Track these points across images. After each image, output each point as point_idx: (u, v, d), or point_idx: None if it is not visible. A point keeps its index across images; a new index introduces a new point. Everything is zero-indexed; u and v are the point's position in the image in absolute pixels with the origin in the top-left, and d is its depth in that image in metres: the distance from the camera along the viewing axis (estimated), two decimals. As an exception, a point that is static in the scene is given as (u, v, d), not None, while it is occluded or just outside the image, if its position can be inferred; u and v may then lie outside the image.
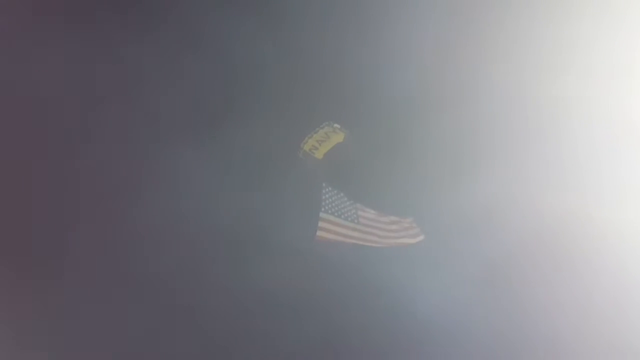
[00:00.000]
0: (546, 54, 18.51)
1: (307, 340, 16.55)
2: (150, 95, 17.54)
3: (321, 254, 17.30)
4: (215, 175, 17.33)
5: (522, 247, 17.44)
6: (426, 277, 17.21)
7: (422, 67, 18.67)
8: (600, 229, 17.40)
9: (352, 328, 16.87)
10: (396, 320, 16.94)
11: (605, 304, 17.07)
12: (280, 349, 16.55)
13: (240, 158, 17.79)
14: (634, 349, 16.81)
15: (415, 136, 18.58)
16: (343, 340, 16.80)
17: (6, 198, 16.30)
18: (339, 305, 17.06)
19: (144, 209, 16.71)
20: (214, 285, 16.64)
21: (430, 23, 18.77)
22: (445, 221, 17.81)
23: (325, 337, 16.71)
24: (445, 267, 17.43)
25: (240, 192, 17.40)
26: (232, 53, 18.27)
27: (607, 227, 17.31)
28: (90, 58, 17.46)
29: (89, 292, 16.12)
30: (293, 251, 17.15)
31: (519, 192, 17.83)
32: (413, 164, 18.37)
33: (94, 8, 17.89)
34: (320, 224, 17.46)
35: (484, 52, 18.64)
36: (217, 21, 18.23)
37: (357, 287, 17.21)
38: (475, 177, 17.82)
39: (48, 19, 17.48)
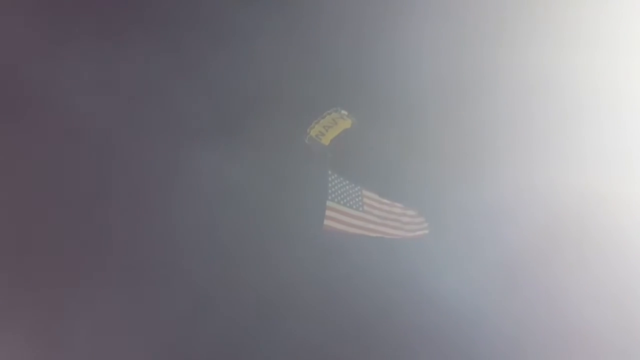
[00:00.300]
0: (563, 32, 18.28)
1: (331, 329, 16.80)
2: (173, 97, 17.71)
3: (341, 246, 17.33)
4: (239, 172, 17.49)
5: (543, 234, 17.30)
6: (448, 266, 17.25)
7: (436, 56, 18.35)
8: (622, 210, 17.20)
9: (375, 318, 17.00)
10: (418, 310, 16.98)
11: (633, 289, 16.95)
12: (305, 340, 16.73)
13: (263, 155, 17.85)
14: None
15: (431, 124, 18.28)
16: (365, 330, 16.94)
17: (44, 199, 16.73)
18: (361, 296, 17.15)
19: (173, 205, 17.18)
20: (241, 276, 16.99)
21: (443, 16, 18.40)
22: (465, 210, 17.70)
23: (348, 326, 16.94)
24: (466, 257, 17.42)
25: (265, 188, 17.62)
26: (253, 52, 18.18)
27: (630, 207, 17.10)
28: (116, 62, 17.51)
29: (124, 285, 16.67)
30: (317, 244, 17.23)
31: (539, 179, 17.60)
32: (429, 152, 18.16)
33: (119, 15, 17.80)
34: (336, 215, 17.24)
35: (496, 40, 18.28)
36: (239, 22, 18.19)
37: (378, 277, 17.24)
38: (494, 166, 17.67)
39: (75, 25, 17.54)
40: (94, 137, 17.14)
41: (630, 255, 16.99)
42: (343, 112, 18.32)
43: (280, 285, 16.95)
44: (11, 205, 16.49)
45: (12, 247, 16.34)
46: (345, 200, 17.52)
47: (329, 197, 17.34)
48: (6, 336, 15.95)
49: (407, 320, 16.97)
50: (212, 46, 17.91)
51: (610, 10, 17.88)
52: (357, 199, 17.64)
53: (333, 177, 17.60)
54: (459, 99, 18.15)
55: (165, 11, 17.97)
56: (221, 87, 17.94)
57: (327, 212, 17.21)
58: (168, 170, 17.37)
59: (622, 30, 17.88)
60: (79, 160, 17.08)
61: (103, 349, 16.24)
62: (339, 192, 17.58)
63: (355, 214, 17.52)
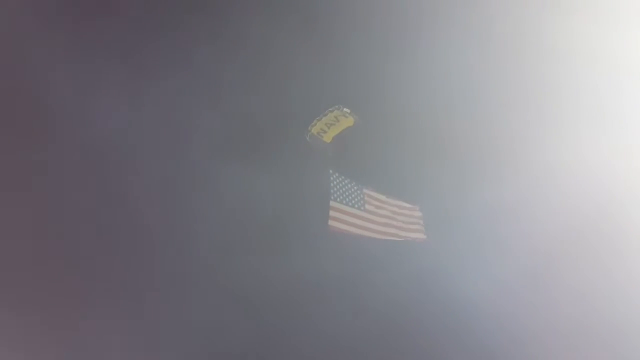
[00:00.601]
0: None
1: (354, 326, 16.65)
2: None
3: (366, 245, 17.18)
4: (259, 184, 17.62)
5: (569, 233, 16.97)
6: (470, 267, 16.97)
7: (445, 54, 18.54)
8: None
9: (400, 316, 16.71)
10: (443, 310, 16.75)
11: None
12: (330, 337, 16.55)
13: (283, 169, 17.89)
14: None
15: (447, 123, 18.17)
16: (390, 328, 16.65)
17: (68, 217, 16.87)
18: (383, 294, 16.86)
19: (195, 220, 17.25)
20: (262, 274, 16.95)
21: (450, 19, 18.73)
22: (489, 208, 17.38)
23: (372, 324, 16.70)
24: (489, 257, 17.08)
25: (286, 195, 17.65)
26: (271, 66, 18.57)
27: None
28: (138, 80, 17.86)
29: (154, 285, 16.75)
30: (337, 243, 17.11)
31: (562, 177, 17.36)
32: (445, 151, 18.05)
33: (140, 34, 18.29)
34: (353, 220, 17.05)
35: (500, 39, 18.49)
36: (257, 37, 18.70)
37: (401, 277, 16.98)
38: (513, 165, 17.56)
39: (98, 43, 17.98)
40: (116, 154, 17.30)
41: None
42: (345, 110, 18.13)
43: (306, 290, 16.79)
44: (37, 220, 16.64)
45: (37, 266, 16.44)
46: (359, 204, 17.24)
47: (344, 202, 17.08)
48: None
49: (428, 322, 16.66)
50: (231, 63, 18.32)
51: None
52: (374, 202, 17.40)
53: (345, 180, 17.36)
54: (471, 94, 18.20)
55: (187, 29, 18.46)
56: (238, 103, 18.23)
57: (344, 217, 16.94)
58: (189, 186, 17.52)
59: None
60: (101, 177, 17.21)
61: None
62: (349, 194, 17.25)
63: (368, 217, 17.19)
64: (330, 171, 17.23)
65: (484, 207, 17.40)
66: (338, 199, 17.10)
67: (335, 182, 17.24)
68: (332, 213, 16.89)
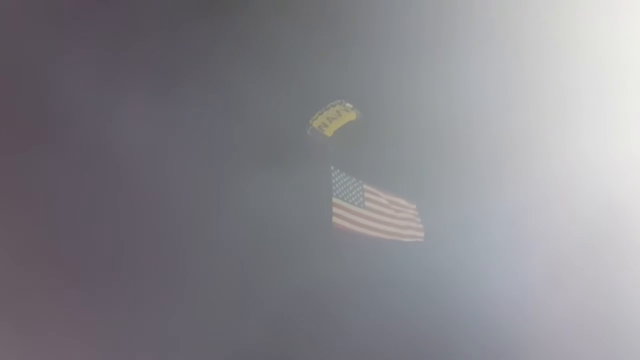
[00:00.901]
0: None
1: (377, 326, 16.85)
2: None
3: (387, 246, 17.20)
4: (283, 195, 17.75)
5: (593, 230, 17.05)
6: (493, 264, 17.04)
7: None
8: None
9: (421, 318, 16.85)
10: (467, 315, 16.89)
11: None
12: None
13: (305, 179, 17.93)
14: None
15: (462, 123, 18.15)
16: (413, 331, 16.80)
17: (97, 229, 17.17)
18: (405, 297, 16.99)
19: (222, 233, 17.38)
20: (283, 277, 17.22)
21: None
22: (507, 208, 17.40)
23: (395, 326, 16.83)
24: (512, 255, 17.18)
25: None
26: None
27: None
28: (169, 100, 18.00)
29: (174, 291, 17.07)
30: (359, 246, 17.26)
31: (586, 172, 17.31)
32: (465, 149, 18.05)
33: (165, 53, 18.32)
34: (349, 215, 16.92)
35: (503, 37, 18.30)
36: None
37: (424, 280, 17.04)
38: (532, 163, 17.59)
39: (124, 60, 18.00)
40: (145, 169, 17.42)
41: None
42: (348, 105, 17.89)
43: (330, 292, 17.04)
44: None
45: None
46: (377, 208, 17.22)
47: (359, 204, 17.02)
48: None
49: (451, 320, 16.81)
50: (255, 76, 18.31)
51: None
52: (381, 202, 17.33)
53: (352, 180, 17.26)
54: (486, 93, 18.11)
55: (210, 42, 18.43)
56: (263, 116, 18.32)
57: (358, 219, 16.91)
58: (216, 199, 17.69)
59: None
60: (126, 189, 17.35)
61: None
62: (363, 198, 17.17)
63: (388, 220, 17.15)
64: (348, 176, 17.22)
65: (501, 207, 17.38)
66: (354, 202, 17.01)
67: (348, 185, 17.15)
68: (348, 215, 16.85)
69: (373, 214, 17.09)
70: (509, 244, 17.20)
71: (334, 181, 17.01)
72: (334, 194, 16.86)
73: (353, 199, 17.08)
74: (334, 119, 17.77)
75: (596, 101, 18.08)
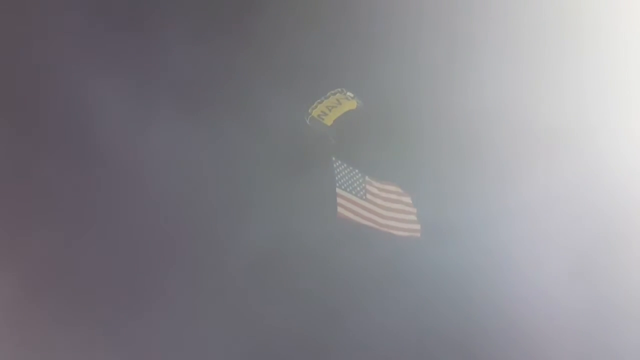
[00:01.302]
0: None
1: (398, 330, 17.01)
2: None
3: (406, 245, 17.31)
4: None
5: (613, 228, 17.00)
6: (516, 260, 16.98)
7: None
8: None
9: (443, 317, 17.03)
10: (482, 314, 16.86)
11: None
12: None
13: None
14: None
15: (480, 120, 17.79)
16: (428, 331, 17.00)
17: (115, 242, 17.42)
18: (421, 298, 17.09)
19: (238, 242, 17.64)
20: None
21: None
22: (533, 204, 17.35)
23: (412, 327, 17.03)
24: (535, 252, 17.13)
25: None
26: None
27: None
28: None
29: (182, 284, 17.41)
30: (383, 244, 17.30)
31: (605, 170, 17.10)
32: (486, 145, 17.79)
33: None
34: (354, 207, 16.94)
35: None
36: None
37: (443, 276, 17.13)
38: (555, 159, 17.44)
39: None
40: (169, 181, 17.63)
41: None
42: (349, 93, 17.45)
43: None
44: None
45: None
46: (387, 204, 17.21)
47: (359, 195, 16.96)
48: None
49: (470, 317, 16.87)
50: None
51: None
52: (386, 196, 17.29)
53: (371, 180, 17.26)
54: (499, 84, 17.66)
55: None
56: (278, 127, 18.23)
57: (362, 212, 16.87)
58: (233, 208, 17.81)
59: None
60: (149, 202, 17.51)
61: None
62: (360, 188, 17.08)
63: (383, 213, 17.08)
64: (356, 170, 17.12)
65: (522, 204, 17.31)
66: (363, 198, 17.00)
67: (356, 179, 17.08)
68: (360, 211, 16.84)
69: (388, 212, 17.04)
70: (529, 241, 17.12)
71: (348, 182, 17.03)
72: (351, 192, 16.90)
73: (357, 189, 17.00)
74: (333, 107, 17.42)
75: (615, 99, 17.58)
